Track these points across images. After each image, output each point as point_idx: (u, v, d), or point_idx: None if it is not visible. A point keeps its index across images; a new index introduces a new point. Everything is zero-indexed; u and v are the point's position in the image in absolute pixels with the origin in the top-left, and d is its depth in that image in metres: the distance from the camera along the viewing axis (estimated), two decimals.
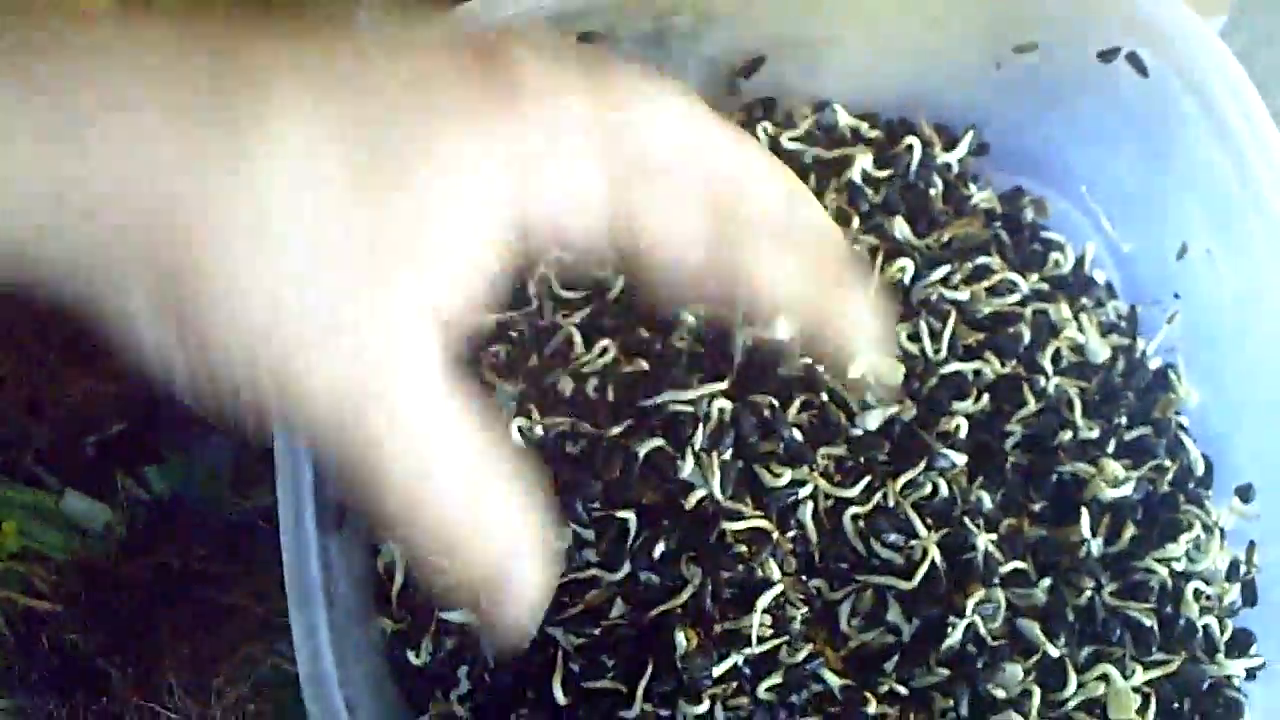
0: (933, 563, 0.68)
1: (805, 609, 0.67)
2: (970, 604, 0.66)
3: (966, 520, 0.70)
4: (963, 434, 0.72)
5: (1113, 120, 0.82)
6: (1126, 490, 0.73)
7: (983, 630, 0.67)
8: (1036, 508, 0.73)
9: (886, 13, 0.81)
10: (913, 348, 0.74)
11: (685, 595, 0.66)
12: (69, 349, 0.83)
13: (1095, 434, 0.75)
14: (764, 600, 0.65)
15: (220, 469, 0.87)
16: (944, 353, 0.74)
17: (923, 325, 0.74)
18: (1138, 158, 0.83)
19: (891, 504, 0.69)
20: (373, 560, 0.71)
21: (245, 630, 0.76)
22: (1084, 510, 0.72)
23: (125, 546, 0.81)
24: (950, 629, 0.66)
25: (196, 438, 0.87)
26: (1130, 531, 0.72)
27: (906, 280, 0.76)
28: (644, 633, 0.66)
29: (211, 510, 0.84)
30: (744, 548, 0.66)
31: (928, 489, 0.70)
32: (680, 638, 0.64)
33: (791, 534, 0.68)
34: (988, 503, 0.71)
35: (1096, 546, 0.72)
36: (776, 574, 0.66)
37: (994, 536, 0.70)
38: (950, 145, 0.85)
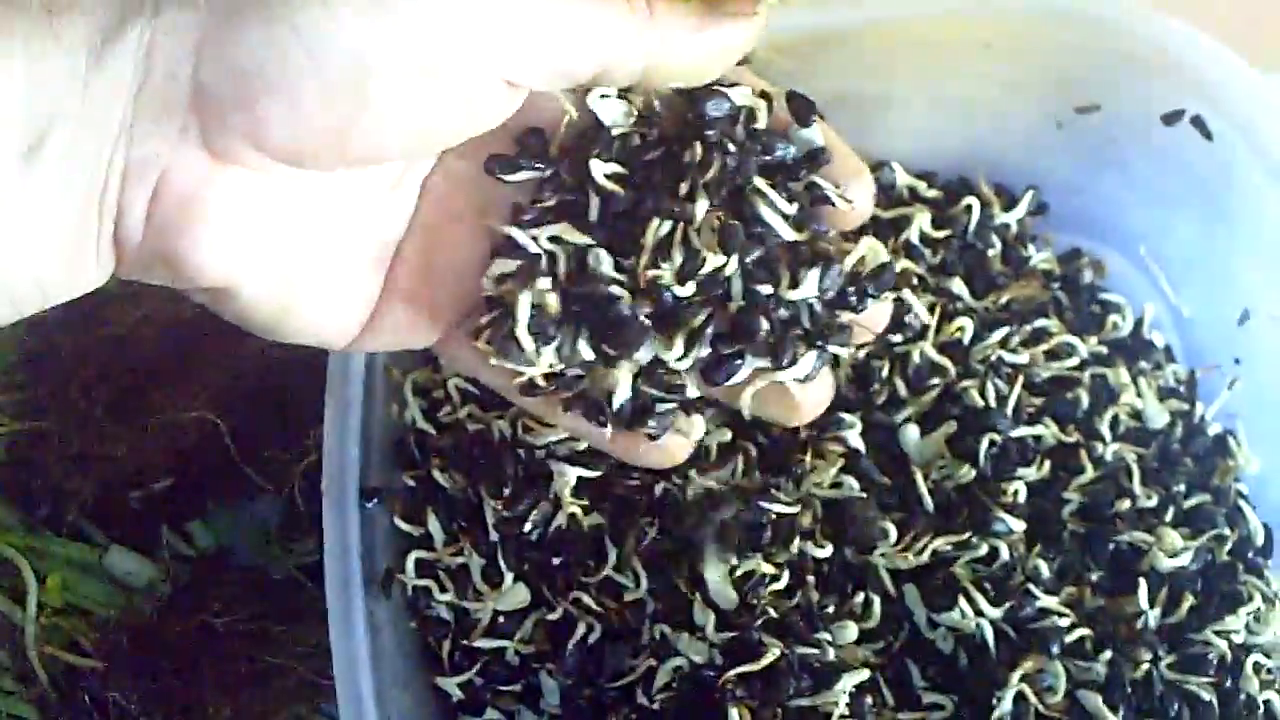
0: (991, 634, 0.69)
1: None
2: (1016, 675, 0.67)
3: (1030, 587, 0.71)
4: (1021, 499, 0.73)
5: (1174, 182, 0.83)
6: (1185, 560, 0.73)
7: (1037, 702, 0.68)
8: (1094, 577, 0.74)
9: (946, 72, 0.82)
10: (978, 406, 0.75)
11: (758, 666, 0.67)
12: (115, 406, 0.84)
13: (1153, 502, 0.76)
14: (845, 683, 0.66)
15: (267, 524, 0.88)
16: (1008, 417, 0.75)
17: (989, 389, 0.76)
18: (1199, 221, 0.83)
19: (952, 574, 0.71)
20: (421, 626, 0.73)
21: (289, 691, 0.78)
22: (1142, 580, 0.72)
23: (169, 603, 0.82)
24: (997, 701, 0.67)
25: (243, 493, 0.88)
26: (1189, 602, 0.73)
27: (966, 340, 0.78)
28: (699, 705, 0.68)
29: (257, 566, 0.86)
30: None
31: (984, 551, 0.72)
32: (734, 714, 0.65)
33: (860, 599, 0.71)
34: (1045, 571, 0.72)
35: (1154, 617, 0.72)
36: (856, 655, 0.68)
37: (1054, 602, 0.71)
38: (1009, 205, 0.87)
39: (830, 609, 0.70)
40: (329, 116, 0.46)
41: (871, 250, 0.57)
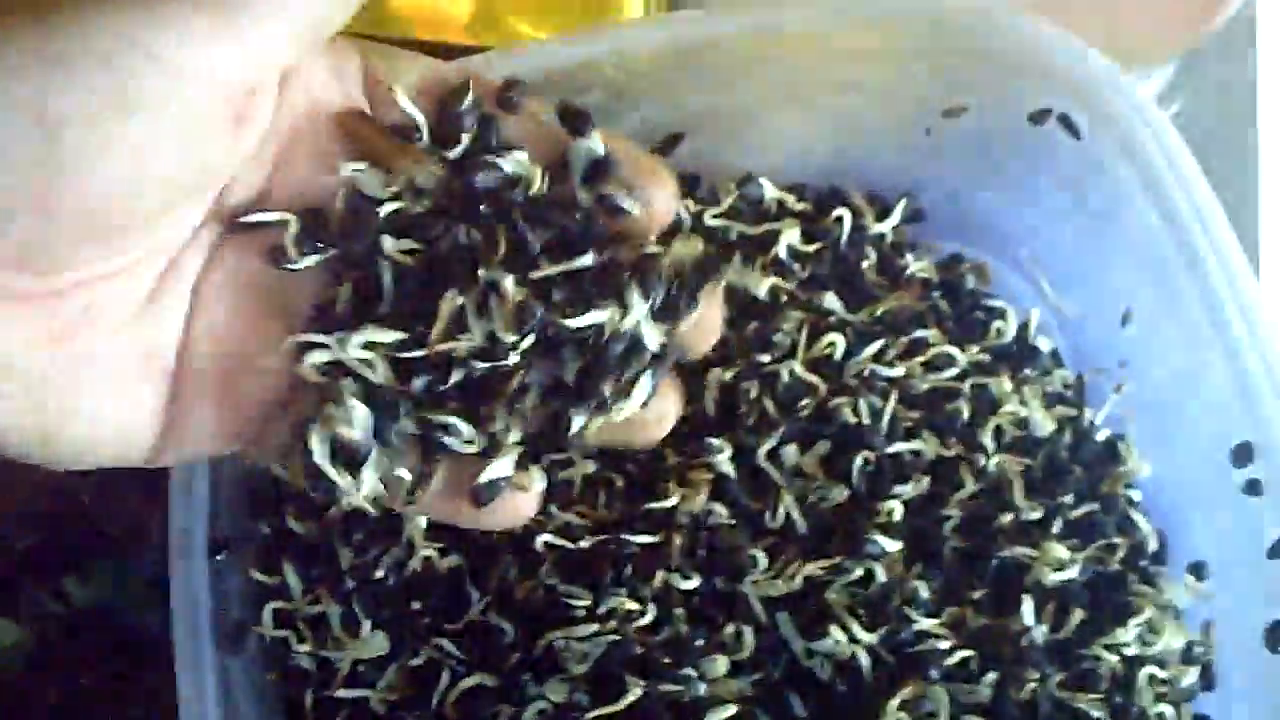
0: (867, 661, 0.68)
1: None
2: (894, 702, 0.66)
3: (907, 610, 0.69)
4: (898, 518, 0.72)
5: (1049, 184, 0.82)
6: (1072, 573, 0.72)
7: None
8: (977, 595, 0.72)
9: (808, 82, 0.80)
10: (850, 423, 0.74)
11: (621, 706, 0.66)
12: None
13: (1038, 514, 0.75)
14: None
15: (144, 577, 0.86)
16: (882, 434, 0.74)
17: (862, 405, 0.74)
18: (1077, 220, 0.82)
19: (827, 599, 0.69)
20: (280, 678, 0.71)
21: None
22: (1026, 596, 0.71)
23: (38, 661, 0.80)
24: None
25: (118, 548, 0.86)
26: (1078, 616, 0.71)
27: (838, 356, 0.76)
28: None
29: (134, 624, 0.84)
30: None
31: (858, 574, 0.70)
32: None
33: (730, 630, 0.69)
34: (924, 591, 0.70)
35: (1041, 634, 0.71)
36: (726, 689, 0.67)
37: (934, 624, 0.69)
38: (883, 214, 0.85)
39: (700, 642, 0.68)
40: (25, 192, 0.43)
41: (685, 247, 0.54)
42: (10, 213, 0.42)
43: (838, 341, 0.76)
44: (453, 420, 0.52)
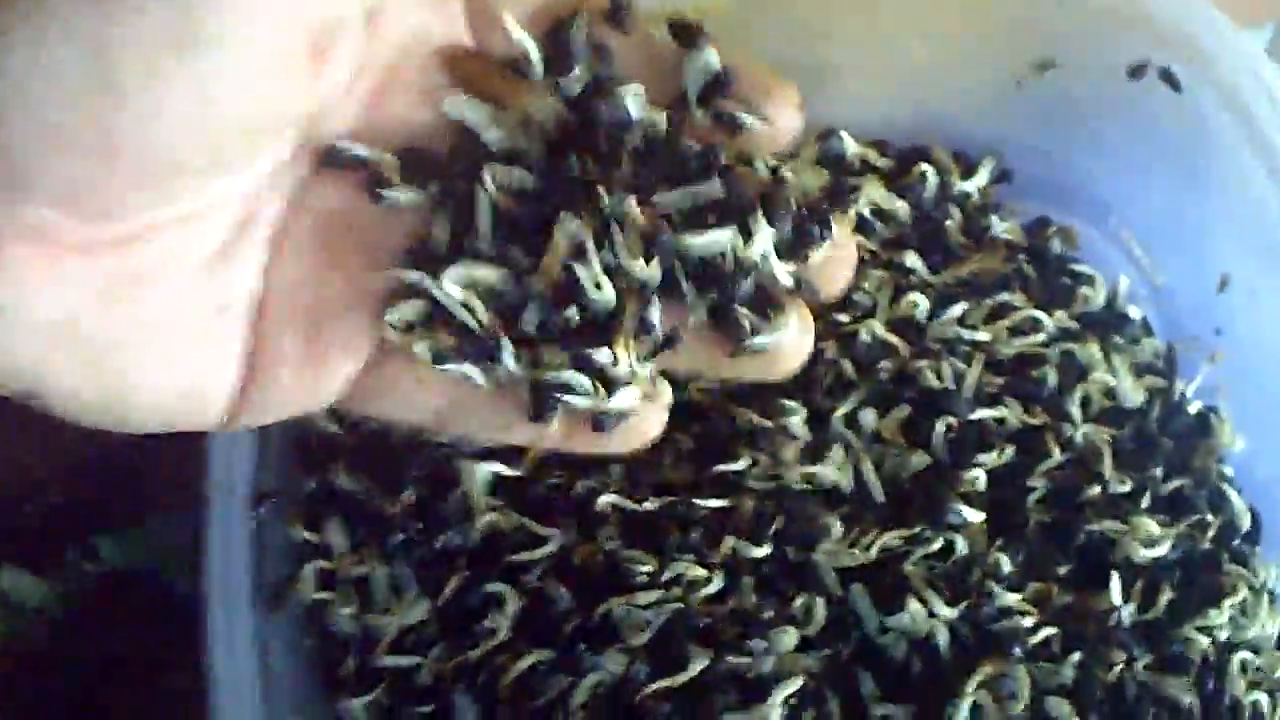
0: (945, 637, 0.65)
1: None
2: (973, 682, 0.63)
3: (989, 584, 0.66)
4: (980, 488, 0.69)
5: (1145, 142, 0.80)
6: (1162, 550, 0.70)
7: (997, 711, 0.63)
8: (1062, 571, 0.69)
9: (894, 32, 0.78)
10: (932, 387, 0.71)
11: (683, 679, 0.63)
12: None
13: (1127, 487, 0.72)
14: (778, 695, 0.63)
15: (183, 540, 0.83)
16: (965, 399, 0.71)
17: (944, 369, 0.72)
18: (1172, 182, 0.79)
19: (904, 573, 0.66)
20: (320, 644, 0.69)
21: (188, 717, 0.73)
22: (1114, 573, 0.68)
23: (67, 625, 0.77)
24: (952, 711, 0.63)
25: (158, 505, 0.83)
26: (1167, 596, 0.69)
27: (921, 317, 0.74)
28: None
29: (166, 586, 0.81)
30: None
31: (938, 545, 0.67)
32: None
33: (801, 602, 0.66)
34: (1007, 566, 0.68)
35: (1129, 614, 0.68)
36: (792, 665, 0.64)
37: (1017, 599, 0.66)
38: (968, 173, 0.83)
39: (769, 614, 0.65)
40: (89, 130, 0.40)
41: (813, 175, 0.54)
42: (62, 143, 0.40)
43: (920, 302, 0.73)
44: (569, 375, 0.50)
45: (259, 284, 0.48)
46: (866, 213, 0.77)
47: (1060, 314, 0.77)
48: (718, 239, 0.49)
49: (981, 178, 0.83)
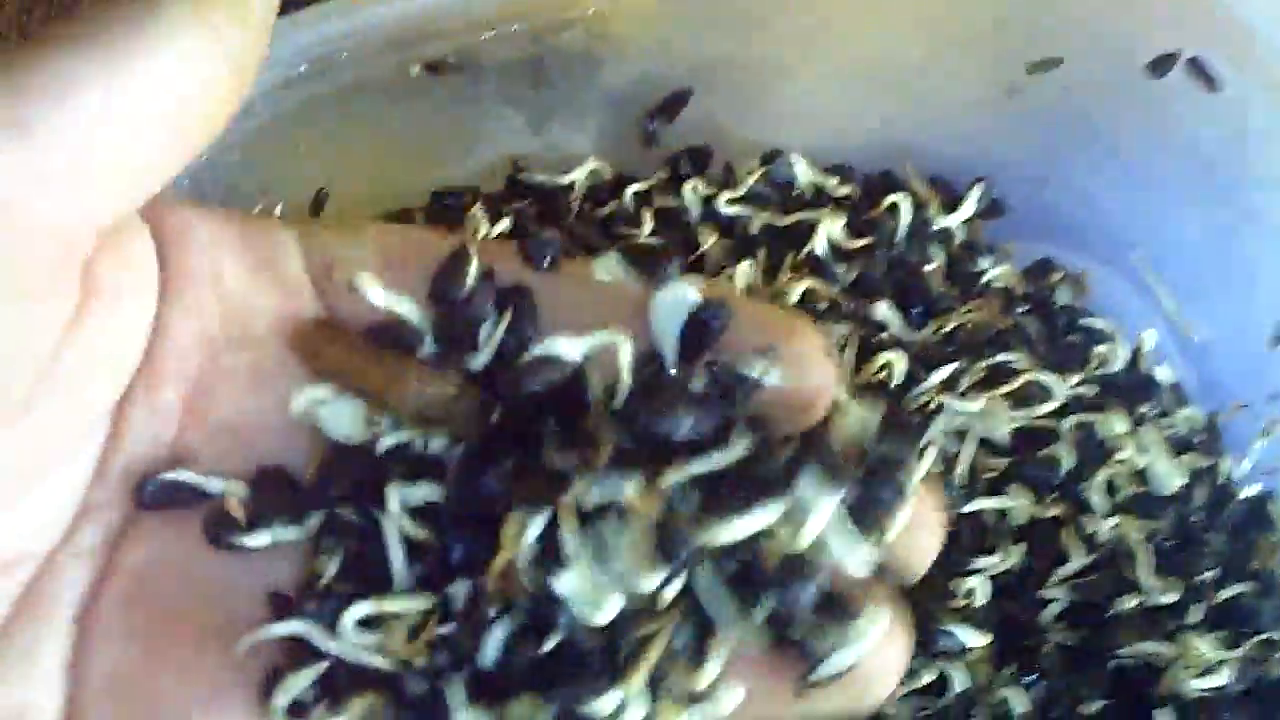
0: None
1: None
2: None
3: None
4: (981, 602, 0.63)
5: (1171, 161, 0.72)
6: (1221, 679, 0.61)
7: None
8: (1093, 709, 0.62)
9: (856, 27, 0.73)
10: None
11: None
12: None
13: (1172, 597, 0.64)
14: None
15: None
16: (957, 487, 0.64)
17: (928, 450, 0.64)
18: (1209, 209, 0.72)
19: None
20: None
21: None
22: (1157, 714, 0.61)
23: None
24: None
25: None
26: None
27: (895, 380, 0.66)
28: None
29: None
30: None
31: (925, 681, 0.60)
32: None
33: None
34: (1019, 704, 0.61)
35: None
36: None
37: None
38: (951, 205, 0.75)
39: None
40: None
41: (857, 412, 0.41)
42: None
43: (895, 362, 0.65)
44: None
45: (60, 689, 0.40)
46: (822, 253, 0.70)
47: (1073, 378, 0.70)
48: (757, 521, 0.38)
49: (967, 210, 0.75)
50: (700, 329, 0.42)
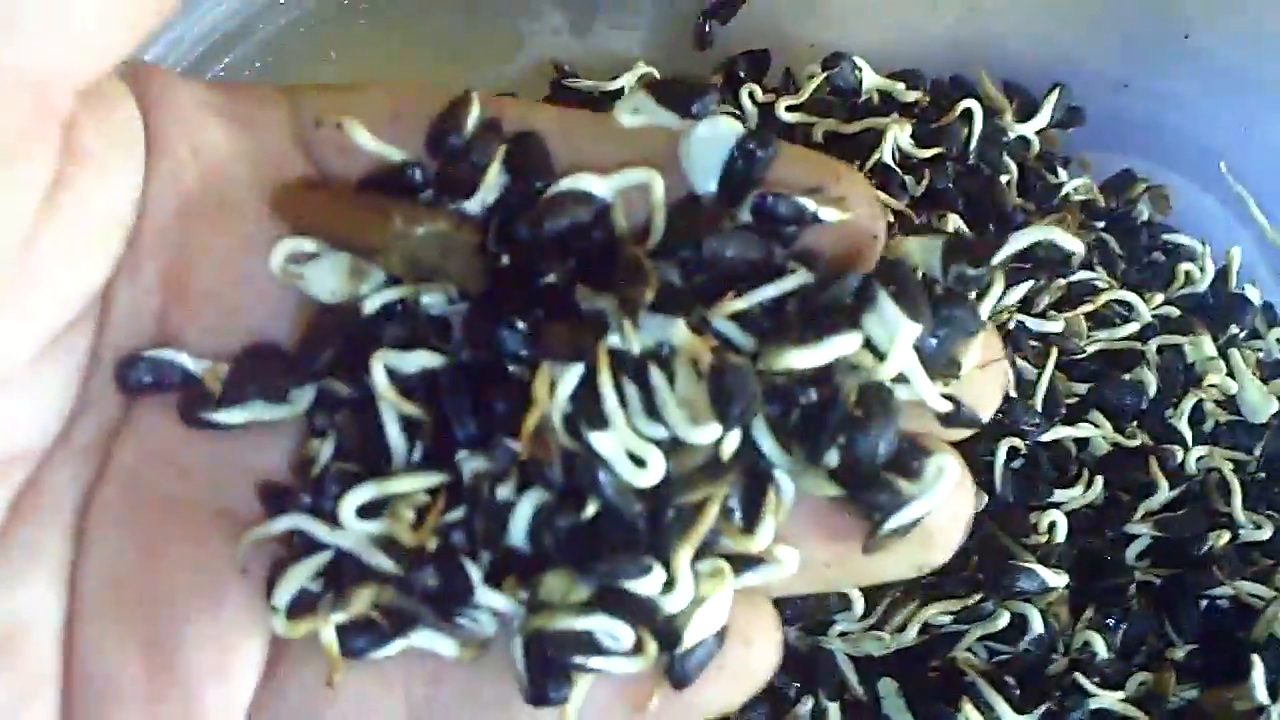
0: None
1: None
2: None
3: (1077, 677, 0.56)
4: (1061, 538, 0.59)
5: (1265, 61, 0.70)
6: None
7: None
8: (1180, 655, 0.59)
9: None
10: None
11: None
12: None
13: (1265, 533, 0.61)
14: None
15: None
16: (1035, 414, 0.61)
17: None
18: None
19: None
20: None
21: None
22: (1256, 659, 0.57)
23: None
24: None
25: None
26: None
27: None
28: None
29: None
30: None
31: (1003, 623, 0.57)
32: None
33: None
34: (1102, 649, 0.58)
35: None
36: None
37: (1118, 699, 0.56)
38: (1026, 112, 0.72)
39: None
40: None
41: (921, 242, 0.39)
42: None
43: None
44: (591, 621, 0.36)
45: (60, 593, 0.38)
46: (889, 162, 0.67)
47: (1157, 298, 0.69)
48: (834, 348, 0.36)
49: (1043, 118, 0.72)
50: (746, 162, 0.39)
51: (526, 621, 0.36)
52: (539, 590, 0.36)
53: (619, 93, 0.67)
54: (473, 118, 0.39)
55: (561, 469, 0.35)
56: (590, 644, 0.36)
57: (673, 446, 0.35)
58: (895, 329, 0.35)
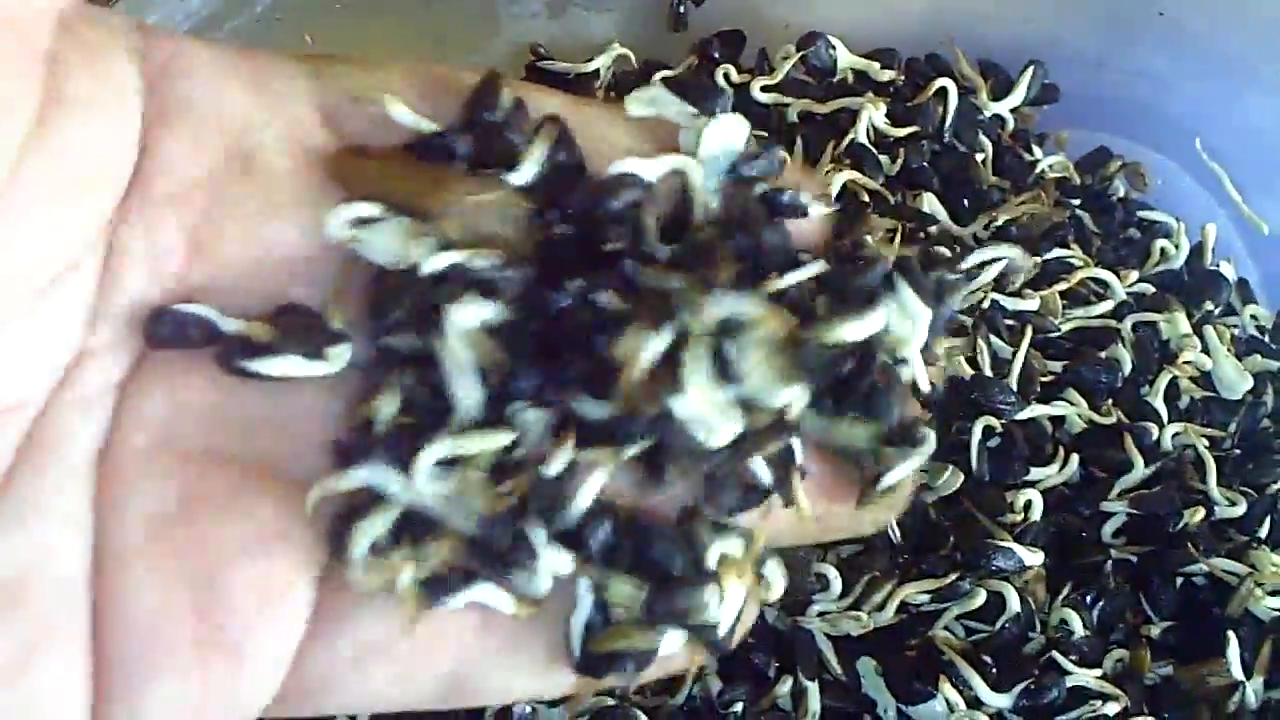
0: None
1: None
2: None
3: (1054, 655, 0.56)
4: (1036, 516, 0.59)
5: (1238, 35, 0.70)
6: None
7: None
8: (1156, 632, 0.60)
9: None
10: (964, 376, 0.62)
11: None
12: None
13: (1239, 509, 0.61)
14: None
15: None
16: (1010, 393, 0.61)
17: (981, 350, 0.62)
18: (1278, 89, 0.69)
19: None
20: None
21: None
22: (1231, 635, 0.58)
23: None
24: None
25: None
26: None
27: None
28: None
29: None
30: None
31: (980, 600, 0.57)
32: None
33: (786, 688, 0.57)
34: (1079, 627, 0.58)
35: (1256, 691, 0.58)
36: None
37: (1095, 677, 0.56)
38: (1002, 90, 0.73)
39: (739, 702, 0.56)
40: None
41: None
42: None
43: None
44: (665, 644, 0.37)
45: (79, 543, 0.37)
46: (865, 142, 0.67)
47: (1131, 275, 0.69)
48: (874, 323, 0.39)
49: (1018, 95, 0.73)
50: (750, 166, 0.41)
51: (600, 639, 0.37)
52: (609, 592, 0.37)
53: (595, 74, 0.66)
54: (506, 96, 0.39)
55: (646, 425, 0.37)
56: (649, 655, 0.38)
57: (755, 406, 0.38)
58: (915, 314, 0.38)
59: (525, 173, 0.39)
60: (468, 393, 0.38)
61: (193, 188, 0.38)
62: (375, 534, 0.37)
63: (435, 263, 0.38)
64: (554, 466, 0.37)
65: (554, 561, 0.36)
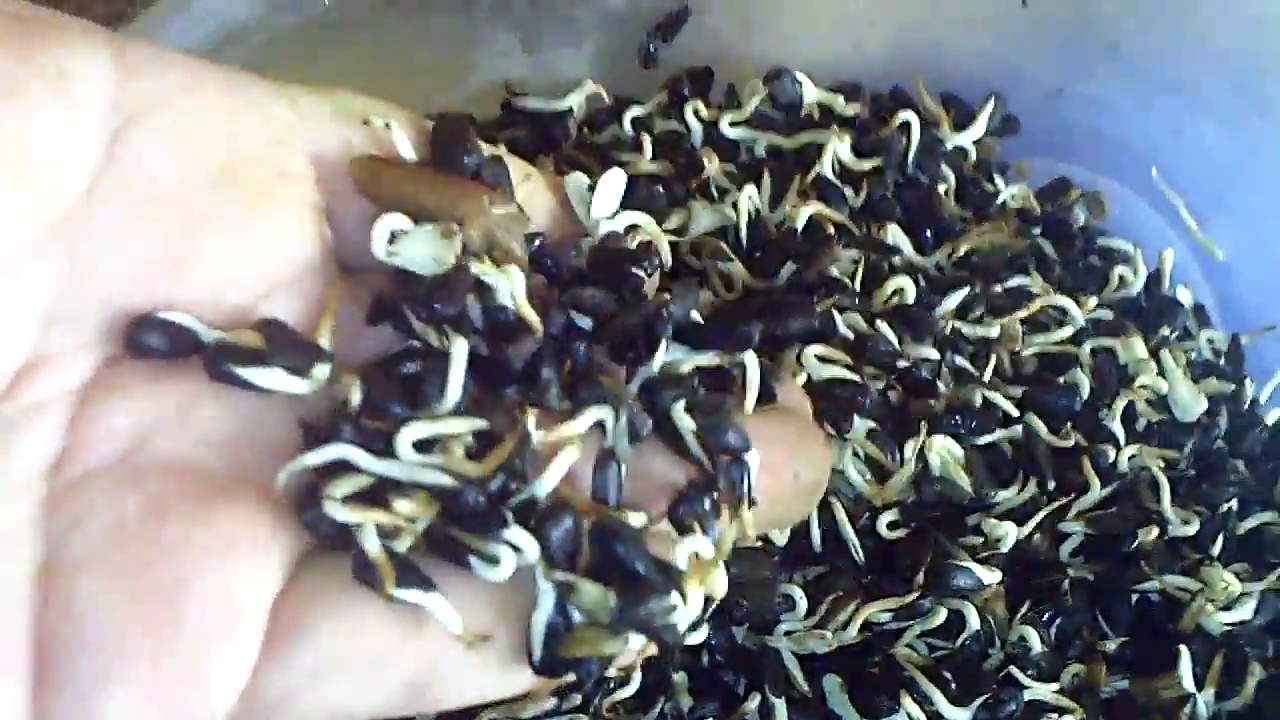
0: None
1: None
2: None
3: (1013, 670, 0.57)
4: (997, 536, 0.60)
5: (1194, 65, 0.70)
6: (1244, 613, 0.60)
7: None
8: (1111, 647, 0.60)
9: None
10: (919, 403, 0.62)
11: None
12: None
13: (1193, 528, 0.62)
14: None
15: None
16: (972, 414, 0.62)
17: (944, 375, 0.63)
18: (1234, 122, 0.70)
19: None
20: None
21: None
22: (1183, 649, 0.59)
23: None
24: None
25: None
26: (1258, 677, 0.59)
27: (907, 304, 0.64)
28: None
29: None
30: None
31: (941, 619, 0.58)
32: None
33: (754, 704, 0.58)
34: (1036, 643, 0.59)
35: (1207, 704, 0.58)
36: None
37: (1052, 691, 0.57)
38: (963, 122, 0.72)
39: (710, 718, 0.58)
40: None
41: None
42: None
43: (906, 288, 0.63)
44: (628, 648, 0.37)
45: (32, 539, 0.37)
46: (830, 175, 0.67)
47: (1090, 301, 0.69)
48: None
49: (979, 127, 0.72)
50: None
51: (565, 644, 0.37)
52: (577, 597, 0.36)
53: (568, 112, 0.66)
54: (473, 148, 0.41)
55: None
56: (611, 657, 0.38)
57: None
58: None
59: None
60: (459, 381, 0.38)
61: (168, 193, 0.38)
62: (348, 489, 0.37)
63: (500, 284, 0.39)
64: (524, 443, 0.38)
65: (519, 538, 0.36)
